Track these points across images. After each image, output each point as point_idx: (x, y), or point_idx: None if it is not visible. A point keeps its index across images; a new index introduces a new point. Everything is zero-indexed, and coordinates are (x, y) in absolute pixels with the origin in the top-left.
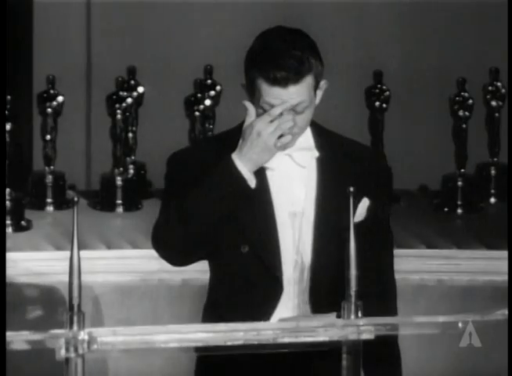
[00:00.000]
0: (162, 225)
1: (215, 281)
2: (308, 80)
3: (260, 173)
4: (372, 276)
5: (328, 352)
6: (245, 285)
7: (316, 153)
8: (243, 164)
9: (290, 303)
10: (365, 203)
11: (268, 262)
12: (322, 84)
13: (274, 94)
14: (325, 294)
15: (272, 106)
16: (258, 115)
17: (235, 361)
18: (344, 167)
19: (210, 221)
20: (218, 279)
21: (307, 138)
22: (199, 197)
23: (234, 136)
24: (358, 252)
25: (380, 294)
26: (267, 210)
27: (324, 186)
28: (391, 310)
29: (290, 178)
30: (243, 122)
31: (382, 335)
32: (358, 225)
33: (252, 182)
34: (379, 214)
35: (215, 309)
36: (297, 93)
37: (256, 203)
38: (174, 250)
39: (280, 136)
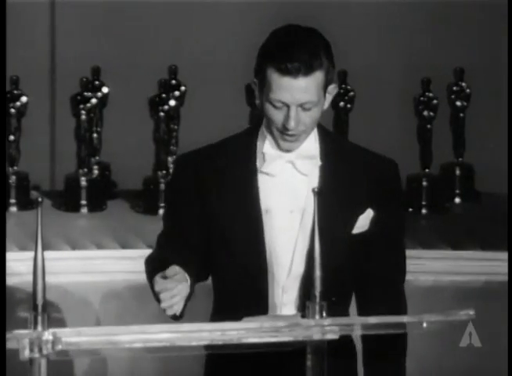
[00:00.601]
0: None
1: (215, 290)
2: (319, 76)
3: (253, 178)
4: (379, 289)
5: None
6: (239, 301)
7: (319, 162)
8: None
9: (282, 312)
10: (368, 214)
11: (254, 274)
12: (332, 88)
13: (284, 85)
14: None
15: (281, 101)
16: (267, 112)
17: (246, 359)
18: (347, 176)
19: None
20: (217, 289)
21: (312, 145)
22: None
23: (247, 141)
24: (356, 262)
25: (388, 306)
26: (256, 215)
27: (325, 195)
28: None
29: (291, 184)
30: (255, 126)
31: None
32: (358, 236)
33: None
34: (387, 226)
35: (220, 317)
36: (306, 88)
37: (246, 209)
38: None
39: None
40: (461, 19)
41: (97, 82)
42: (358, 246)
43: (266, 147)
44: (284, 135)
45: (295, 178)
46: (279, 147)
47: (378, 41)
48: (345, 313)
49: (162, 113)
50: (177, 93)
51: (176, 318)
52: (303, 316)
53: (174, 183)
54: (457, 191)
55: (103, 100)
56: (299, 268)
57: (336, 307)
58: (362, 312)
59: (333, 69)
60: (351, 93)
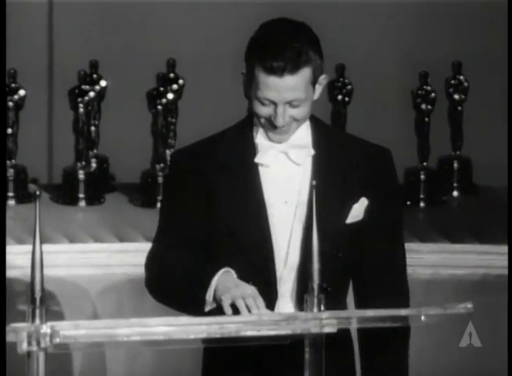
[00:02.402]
0: (150, 258)
1: None
2: (306, 72)
3: (253, 170)
4: (376, 279)
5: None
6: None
7: (312, 151)
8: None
9: (284, 300)
10: (362, 203)
11: (260, 263)
12: (322, 78)
13: (270, 84)
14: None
15: (267, 99)
16: (255, 108)
17: (244, 352)
18: (340, 166)
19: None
20: None
21: (304, 134)
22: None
23: (242, 133)
24: (351, 252)
25: (390, 297)
26: (259, 208)
27: (318, 184)
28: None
29: (285, 175)
30: (248, 117)
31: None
32: (353, 226)
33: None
34: (382, 215)
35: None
36: (293, 85)
37: (248, 201)
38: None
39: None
40: (459, 13)
41: (95, 75)
42: (354, 236)
43: (259, 138)
44: (273, 128)
45: (289, 168)
46: (269, 139)
47: (376, 35)
48: (342, 304)
49: (160, 107)
50: (175, 86)
51: (203, 313)
52: (301, 310)
53: (173, 180)
54: (455, 184)
55: (101, 94)
56: (295, 259)
57: (332, 297)
58: (359, 302)
59: (322, 62)
60: (349, 87)
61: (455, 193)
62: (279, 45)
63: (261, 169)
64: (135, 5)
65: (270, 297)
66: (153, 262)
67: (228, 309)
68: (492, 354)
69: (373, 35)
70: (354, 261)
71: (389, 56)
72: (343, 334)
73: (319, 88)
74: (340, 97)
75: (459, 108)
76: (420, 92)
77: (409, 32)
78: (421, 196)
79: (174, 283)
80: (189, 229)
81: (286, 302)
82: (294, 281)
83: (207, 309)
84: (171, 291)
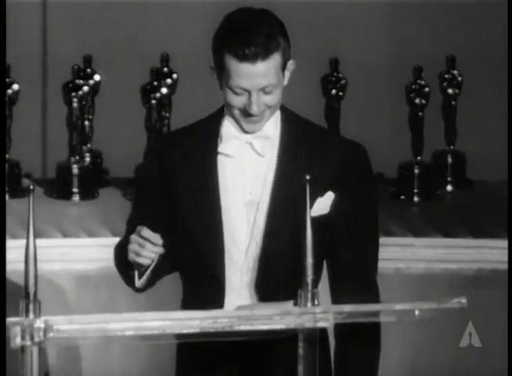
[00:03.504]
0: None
1: (182, 280)
2: (276, 58)
3: (212, 159)
4: (346, 275)
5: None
6: (194, 280)
7: (277, 143)
8: None
9: (237, 295)
10: (328, 197)
11: (208, 258)
12: (290, 64)
13: (243, 72)
14: (273, 284)
15: (241, 88)
16: (228, 97)
17: (216, 348)
18: (306, 158)
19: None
20: (182, 278)
21: (271, 126)
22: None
23: (210, 125)
24: (321, 248)
25: (359, 292)
26: (216, 199)
27: (282, 176)
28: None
29: (248, 166)
30: (219, 109)
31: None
32: (318, 220)
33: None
34: (349, 211)
35: (184, 304)
36: (265, 71)
37: (206, 192)
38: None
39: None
40: (453, 7)
41: (89, 70)
42: (320, 230)
43: (224, 128)
44: (248, 118)
45: (253, 159)
46: (242, 129)
47: (370, 29)
48: None
49: (154, 101)
50: (169, 81)
51: (139, 290)
52: (295, 304)
53: (141, 171)
54: (449, 179)
55: (95, 88)
56: (256, 249)
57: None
58: (332, 298)
59: (289, 47)
60: (343, 81)
61: (449, 188)
62: (249, 31)
63: (223, 159)
64: (129, 0)
65: (218, 288)
66: (119, 242)
67: (138, 260)
68: (488, 349)
69: (367, 30)
70: (323, 256)
71: (383, 50)
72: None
73: (287, 75)
74: (333, 91)
75: (453, 102)
76: (413, 86)
77: (403, 26)
78: (415, 190)
79: (118, 263)
80: (147, 217)
81: (245, 294)
82: (256, 273)
83: (137, 285)
84: (120, 273)
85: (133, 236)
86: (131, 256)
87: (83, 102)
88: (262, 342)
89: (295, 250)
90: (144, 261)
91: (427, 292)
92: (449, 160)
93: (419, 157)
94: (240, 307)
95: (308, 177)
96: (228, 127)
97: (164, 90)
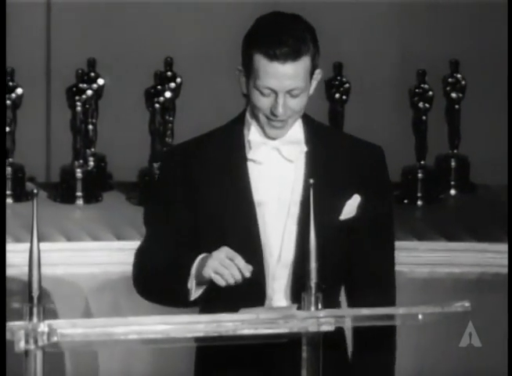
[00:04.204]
0: (137, 256)
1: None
2: (306, 61)
3: (243, 166)
4: (366, 274)
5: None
6: (234, 293)
7: (305, 148)
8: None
9: (269, 301)
10: (355, 200)
11: (248, 260)
12: (317, 73)
13: (272, 71)
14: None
15: (268, 88)
16: (254, 99)
17: (235, 352)
18: (333, 162)
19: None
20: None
21: (297, 131)
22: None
23: (235, 131)
24: (345, 250)
25: (377, 294)
26: (248, 206)
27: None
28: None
29: (278, 172)
30: (240, 115)
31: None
32: (346, 223)
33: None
34: (374, 212)
35: (210, 310)
36: (293, 73)
37: (238, 199)
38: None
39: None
40: (456, 11)
41: (93, 74)
42: (347, 233)
43: (252, 134)
44: (272, 122)
45: (281, 164)
46: (265, 134)
47: (374, 33)
48: (336, 301)
49: (157, 105)
50: (172, 85)
51: (188, 304)
52: (299, 308)
53: (162, 178)
54: (452, 183)
55: (99, 92)
56: (289, 255)
57: (326, 295)
58: (351, 301)
59: (319, 54)
60: (347, 85)
61: (452, 192)
62: (281, 32)
63: (252, 166)
64: (133, 4)
65: (259, 295)
66: (140, 260)
67: (216, 279)
68: (490, 352)
69: (371, 33)
70: (346, 259)
71: (387, 54)
72: (337, 333)
73: (313, 84)
74: (337, 95)
75: (457, 106)
76: (417, 90)
77: (407, 30)
78: (418, 194)
79: (159, 279)
80: (176, 229)
81: (279, 300)
82: (288, 278)
83: (192, 298)
84: (158, 286)
85: (221, 256)
86: (208, 272)
87: (87, 106)
88: (285, 345)
89: (327, 254)
90: (221, 282)
91: (430, 296)
92: (453, 164)
93: (422, 161)
94: (244, 311)
95: (311, 181)
96: (255, 133)
97: (168, 94)
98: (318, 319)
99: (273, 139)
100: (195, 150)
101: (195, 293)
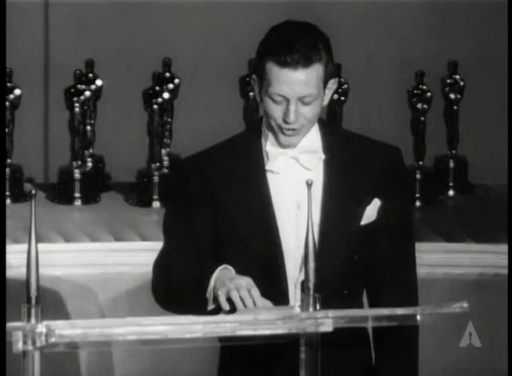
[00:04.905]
0: (157, 266)
1: None
2: (318, 68)
3: (261, 177)
4: (389, 275)
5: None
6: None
7: (323, 156)
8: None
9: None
10: (375, 204)
11: (270, 270)
12: (332, 83)
13: (283, 78)
14: (327, 296)
15: (280, 95)
16: (267, 106)
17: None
18: (352, 168)
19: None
20: None
21: (314, 139)
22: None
23: (251, 141)
24: (367, 252)
25: (400, 295)
26: (268, 216)
27: (331, 188)
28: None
29: (297, 181)
30: (256, 124)
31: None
32: (367, 227)
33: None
34: (394, 213)
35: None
36: (305, 80)
37: (259, 210)
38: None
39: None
40: (455, 12)
41: (91, 75)
42: (368, 237)
43: (268, 145)
44: (284, 130)
45: (300, 173)
46: (279, 143)
47: (372, 34)
48: (359, 305)
49: (156, 106)
50: (171, 86)
51: (210, 313)
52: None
53: (181, 188)
54: (451, 183)
55: (97, 93)
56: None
57: (348, 299)
58: (373, 302)
59: (333, 63)
60: (345, 86)
61: (451, 192)
62: (293, 40)
63: (271, 176)
64: (131, 5)
65: (282, 303)
66: (160, 270)
67: (224, 304)
68: (489, 353)
69: (369, 35)
70: (368, 262)
71: (385, 55)
72: (359, 332)
73: (328, 94)
74: (336, 96)
75: (455, 107)
76: (415, 91)
77: (405, 31)
78: (417, 195)
79: (178, 289)
80: (196, 239)
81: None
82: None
83: (210, 307)
84: (177, 296)
85: (242, 284)
86: (221, 293)
87: (85, 107)
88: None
89: (348, 260)
90: (225, 306)
91: (428, 297)
92: (451, 164)
93: (421, 162)
94: (243, 311)
95: (309, 181)
96: (272, 143)
97: (166, 95)
98: (316, 320)
99: (287, 147)
100: (213, 161)
101: (213, 303)
